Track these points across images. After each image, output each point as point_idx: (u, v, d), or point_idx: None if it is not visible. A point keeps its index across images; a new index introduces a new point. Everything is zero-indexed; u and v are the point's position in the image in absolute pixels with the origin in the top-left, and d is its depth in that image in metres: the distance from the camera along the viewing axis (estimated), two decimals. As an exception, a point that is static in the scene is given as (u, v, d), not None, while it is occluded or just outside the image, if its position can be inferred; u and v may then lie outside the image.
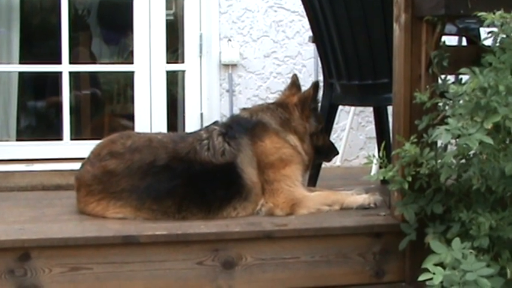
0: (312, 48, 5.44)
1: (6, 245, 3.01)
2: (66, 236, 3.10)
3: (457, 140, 2.62)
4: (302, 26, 5.46)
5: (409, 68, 3.18)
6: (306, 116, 3.66)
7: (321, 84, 4.02)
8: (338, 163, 5.47)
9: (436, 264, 2.60)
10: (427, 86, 3.12)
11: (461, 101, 2.77)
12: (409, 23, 3.15)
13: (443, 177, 2.88)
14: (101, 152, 3.49)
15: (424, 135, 2.98)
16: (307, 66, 5.54)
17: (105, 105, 7.17)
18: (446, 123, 2.65)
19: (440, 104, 3.07)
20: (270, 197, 3.45)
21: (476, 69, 2.73)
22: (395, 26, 3.24)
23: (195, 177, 3.37)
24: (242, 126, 3.56)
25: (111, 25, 7.09)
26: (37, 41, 6.81)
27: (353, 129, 5.65)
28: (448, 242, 2.74)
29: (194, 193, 3.36)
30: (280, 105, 3.72)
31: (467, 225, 2.85)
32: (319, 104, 3.88)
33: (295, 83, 3.81)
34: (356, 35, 3.79)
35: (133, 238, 3.09)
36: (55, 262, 3.03)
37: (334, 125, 5.35)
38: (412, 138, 2.99)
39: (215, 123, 3.70)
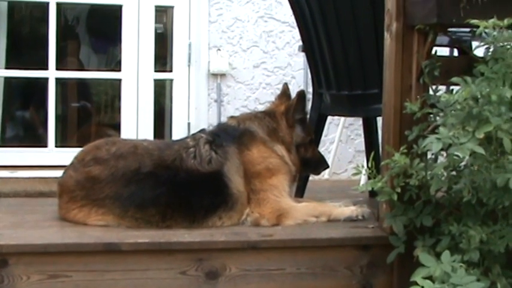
0: (302, 59, 5.42)
1: (-17, 251, 2.93)
2: (46, 242, 3.02)
3: (448, 150, 2.55)
4: (292, 37, 5.45)
5: (400, 78, 3.12)
6: (290, 126, 3.60)
7: (310, 94, 3.97)
8: (326, 176, 5.44)
9: (425, 278, 2.55)
10: (418, 96, 3.06)
11: (452, 111, 2.70)
12: (400, 32, 3.10)
13: (433, 188, 2.81)
14: (85, 158, 3.42)
15: (414, 145, 2.91)
16: (296, 78, 5.51)
17: (92, 114, 7.09)
18: (437, 133, 2.59)
19: (431, 115, 3.01)
20: (256, 206, 3.39)
21: (468, 79, 2.70)
22: (387, 35, 3.19)
23: (181, 185, 3.31)
24: (229, 135, 3.50)
25: (100, 34, 7.04)
26: (24, 47, 6.74)
27: (342, 142, 5.63)
28: (438, 256, 2.68)
29: (179, 202, 3.29)
30: (268, 114, 3.67)
31: (457, 238, 2.79)
32: (308, 115, 3.84)
33: (285, 92, 3.76)
34: (346, 45, 3.75)
35: (115, 246, 3.01)
36: (34, 269, 2.94)
37: (323, 138, 5.33)
38: (401, 148, 2.93)
39: (202, 131, 3.64)
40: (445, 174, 2.83)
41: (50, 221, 3.44)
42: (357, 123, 5.56)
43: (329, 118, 5.33)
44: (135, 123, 5.31)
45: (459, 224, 2.79)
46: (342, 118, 5.49)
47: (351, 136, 5.69)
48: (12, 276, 2.93)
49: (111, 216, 3.29)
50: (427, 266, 2.61)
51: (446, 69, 3.04)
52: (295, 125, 3.61)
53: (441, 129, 2.59)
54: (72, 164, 3.48)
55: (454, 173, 2.85)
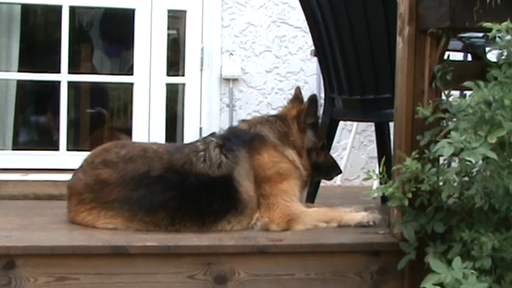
0: (314, 64, 5.40)
1: (-9, 252, 2.91)
2: (53, 244, 3.00)
3: (460, 155, 2.52)
4: (305, 42, 5.43)
5: (412, 82, 3.09)
6: (301, 130, 3.56)
7: (322, 99, 3.94)
8: (339, 182, 5.41)
9: (435, 284, 2.53)
10: (430, 101, 3.02)
11: (465, 115, 2.66)
12: (412, 36, 3.07)
13: (444, 194, 2.78)
14: (94, 161, 3.40)
15: (426, 151, 2.88)
16: (309, 83, 5.49)
17: (105, 119, 7.09)
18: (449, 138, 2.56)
19: (444, 120, 2.97)
20: (266, 211, 3.36)
21: (481, 83, 2.66)
22: (399, 39, 3.15)
23: (190, 189, 3.28)
24: (240, 139, 3.47)
25: (113, 38, 7.05)
26: (37, 51, 6.76)
27: (354, 148, 5.60)
28: (449, 263, 2.66)
29: (188, 206, 3.27)
30: (279, 118, 3.63)
31: (469, 245, 2.75)
32: (320, 120, 3.80)
33: (297, 96, 3.72)
34: (358, 49, 3.71)
35: (123, 249, 2.99)
36: (41, 271, 2.92)
37: (336, 144, 5.42)
38: (413, 154, 2.90)
39: (212, 134, 3.62)
40: (457, 179, 2.80)
41: (58, 223, 3.42)
42: (370, 129, 5.52)
43: (341, 124, 5.33)
44: (147, 127, 5.30)
45: (471, 231, 2.76)
46: (355, 124, 5.46)
47: (363, 142, 5.66)
48: (19, 278, 2.91)
49: (120, 220, 3.27)
50: (438, 272, 2.58)
51: (459, 74, 3.00)
52: (306, 130, 3.57)
53: (453, 133, 2.56)
54: (81, 166, 3.47)
55: (466, 178, 2.81)
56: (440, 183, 2.82)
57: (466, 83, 2.73)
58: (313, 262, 3.11)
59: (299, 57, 5.53)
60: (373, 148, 5.35)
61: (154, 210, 3.24)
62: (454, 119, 2.80)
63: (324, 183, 4.99)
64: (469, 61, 4.10)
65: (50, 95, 6.13)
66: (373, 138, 5.29)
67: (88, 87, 6.83)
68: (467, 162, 2.69)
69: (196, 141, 3.58)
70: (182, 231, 3.24)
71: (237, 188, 3.32)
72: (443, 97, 3.04)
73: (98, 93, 7.02)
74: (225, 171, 3.33)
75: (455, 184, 2.80)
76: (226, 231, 3.29)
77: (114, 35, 6.98)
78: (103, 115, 7.16)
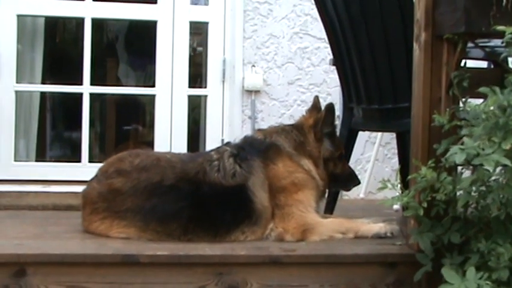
0: (337, 76, 5.30)
1: (2, 260, 2.90)
2: (64, 252, 2.98)
3: (472, 161, 2.45)
4: (328, 54, 5.31)
5: (429, 90, 3.04)
6: (318, 140, 3.52)
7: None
8: (362, 195, 5.36)
9: (448, 295, 2.44)
10: (447, 109, 2.97)
11: (479, 121, 2.60)
12: (429, 42, 3.02)
13: (460, 203, 2.73)
14: (108, 170, 3.40)
15: (443, 159, 2.81)
16: (332, 95, 5.42)
17: (130, 131, 7.12)
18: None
19: (461, 128, 2.87)
20: (281, 221, 3.31)
21: (497, 88, 2.60)
22: (415, 46, 3.11)
23: (203, 199, 3.26)
24: (255, 148, 3.44)
25: (138, 52, 7.10)
26: (61, 63, 6.82)
27: (378, 161, 5.53)
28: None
29: (201, 216, 3.24)
30: (296, 127, 3.59)
31: (486, 256, 2.68)
32: (337, 129, 3.76)
33: (316, 106, 3.67)
34: (376, 57, 3.67)
35: (133, 257, 2.96)
36: (52, 279, 2.91)
37: (359, 156, 5.41)
38: (429, 162, 2.84)
39: (227, 144, 3.58)
40: (474, 188, 2.73)
41: (72, 233, 3.41)
42: (394, 142, 5.35)
43: (365, 136, 5.39)
44: (169, 139, 5.30)
45: (488, 241, 2.68)
46: (378, 136, 5.41)
47: (387, 155, 5.59)
48: (30, 286, 2.89)
49: (133, 229, 3.25)
50: (451, 282, 2.53)
51: (477, 81, 2.91)
52: (323, 139, 3.53)
53: (466, 139, 2.50)
54: (95, 176, 3.47)
55: (483, 188, 2.74)
56: (457, 193, 2.76)
57: (482, 89, 2.66)
58: (327, 273, 3.06)
59: (322, 69, 5.49)
60: (396, 161, 5.17)
61: (167, 220, 3.22)
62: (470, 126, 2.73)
63: (347, 195, 4.98)
64: (487, 68, 4.02)
65: (73, 108, 6.16)
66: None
67: (113, 100, 6.86)
68: (485, 171, 2.60)
69: (210, 150, 3.54)
70: (195, 241, 3.20)
71: (251, 198, 3.28)
72: (461, 105, 2.97)
73: (123, 106, 7.03)
74: (239, 180, 3.29)
75: (472, 193, 2.73)
76: (240, 241, 3.24)
77: (138, 48, 7.05)
78: (137, 130, 7.16)
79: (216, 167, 3.32)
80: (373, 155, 5.42)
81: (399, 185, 2.95)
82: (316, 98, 3.72)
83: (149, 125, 6.98)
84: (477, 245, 2.72)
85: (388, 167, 5.53)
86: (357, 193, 5.26)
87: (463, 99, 2.97)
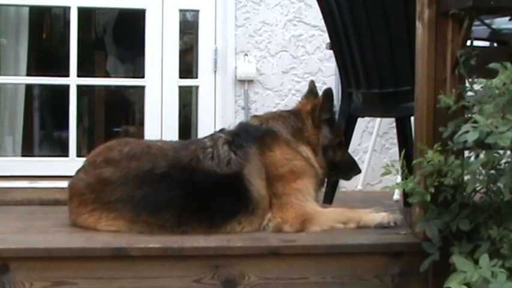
0: (333, 65, 5.18)
1: (-18, 256, 2.74)
2: (50, 246, 2.82)
3: (486, 140, 2.30)
4: (323, 41, 5.25)
5: (433, 69, 2.91)
6: (316, 126, 3.39)
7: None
8: (360, 187, 5.23)
9: (461, 284, 2.33)
10: (453, 89, 2.84)
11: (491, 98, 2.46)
12: (433, 19, 2.89)
13: (470, 188, 2.62)
14: (96, 159, 3.25)
15: (449, 142, 2.69)
16: (328, 84, 5.24)
17: (119, 125, 6.98)
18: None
19: (468, 109, 2.77)
20: (279, 211, 3.18)
21: (508, 64, 2.47)
22: (418, 24, 2.97)
23: (197, 188, 3.12)
24: (250, 135, 3.30)
25: (126, 43, 6.97)
26: (46, 54, 6.67)
27: (376, 151, 5.41)
28: (476, 262, 2.45)
29: (195, 206, 3.10)
30: (293, 113, 3.46)
31: (498, 243, 2.55)
32: (336, 115, 3.61)
33: (312, 91, 3.54)
34: (376, 38, 3.53)
35: (124, 251, 2.81)
36: (36, 275, 2.75)
37: (356, 147, 5.28)
38: (436, 146, 2.71)
39: (221, 130, 3.45)
40: (484, 172, 2.62)
41: (59, 226, 3.25)
42: (392, 131, 5.30)
43: (362, 126, 5.29)
44: (159, 131, 5.16)
45: (500, 228, 2.55)
46: (376, 126, 5.29)
47: (385, 145, 5.47)
48: (13, 283, 2.74)
49: (122, 221, 3.10)
50: (463, 270, 2.39)
51: (483, 60, 2.77)
52: (321, 126, 3.40)
53: (478, 117, 2.37)
54: (83, 166, 3.32)
55: (493, 172, 2.62)
56: (465, 177, 2.66)
57: (492, 65, 2.55)
58: (329, 265, 2.94)
59: (317, 57, 5.36)
60: (395, 151, 5.15)
61: (159, 211, 3.08)
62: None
63: (344, 187, 4.88)
64: (494, 47, 3.88)
65: (60, 101, 6.02)
66: (395, 141, 5.10)
67: (102, 94, 6.70)
68: (495, 154, 2.52)
69: (204, 137, 3.41)
70: (189, 232, 3.06)
71: (247, 187, 3.15)
72: (467, 84, 2.84)
73: (112, 99, 6.90)
74: (234, 168, 3.16)
75: (481, 177, 2.62)
76: (237, 233, 3.12)
77: (127, 40, 6.91)
78: (127, 123, 7.14)
79: (210, 154, 3.19)
80: (371, 145, 5.29)
81: (402, 171, 2.83)
82: (312, 83, 3.60)
83: (139, 118, 6.87)
84: (488, 232, 2.60)
85: (386, 158, 5.41)
86: (354, 185, 5.14)
87: (470, 80, 2.83)
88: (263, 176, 3.20)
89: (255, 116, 3.53)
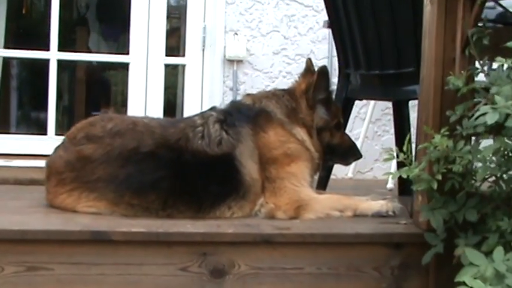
0: (326, 46, 5.17)
1: None
2: (24, 228, 2.60)
3: (506, 122, 2.12)
4: (316, 22, 5.18)
5: (442, 49, 2.74)
6: (311, 107, 3.21)
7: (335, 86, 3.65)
8: (350, 174, 5.15)
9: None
10: (462, 71, 2.66)
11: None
12: (443, -5, 2.72)
13: (480, 176, 2.46)
14: (76, 135, 3.03)
15: (458, 127, 2.53)
16: (320, 66, 5.11)
17: (100, 102, 6.77)
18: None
19: (478, 93, 2.58)
20: (272, 196, 3.00)
21: (528, 41, 2.28)
22: (426, 1, 2.80)
23: (185, 168, 2.93)
24: (243, 114, 3.12)
25: (110, 20, 6.78)
26: (25, 28, 6.43)
27: (368, 138, 5.30)
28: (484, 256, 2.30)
29: (183, 187, 2.91)
30: (288, 92, 3.28)
31: (508, 236, 2.40)
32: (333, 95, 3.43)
33: (309, 69, 3.35)
34: (378, 16, 3.39)
35: (104, 234, 2.61)
36: (8, 259, 2.54)
37: (348, 133, 4.91)
38: (443, 130, 2.55)
39: (212, 108, 3.25)
40: (495, 159, 2.47)
41: (34, 207, 3.04)
42: (385, 118, 5.30)
43: (354, 112, 5.06)
44: (143, 111, 5.01)
45: (511, 219, 2.41)
46: (369, 112, 5.19)
47: (377, 132, 5.38)
48: (-18, 267, 2.53)
49: (104, 202, 2.90)
50: (476, 264, 2.23)
51: (494, 42, 2.63)
52: (316, 106, 3.21)
53: (497, 97, 2.19)
54: (62, 142, 3.10)
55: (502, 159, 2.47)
56: (475, 164, 2.51)
57: (509, 43, 2.35)
58: (325, 255, 2.77)
59: (309, 39, 5.26)
60: (388, 139, 5.14)
61: (144, 192, 2.88)
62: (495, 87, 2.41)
63: (334, 175, 4.73)
64: (507, 26, 3.70)
65: (39, 76, 5.80)
66: (388, 128, 5.05)
67: (84, 72, 6.47)
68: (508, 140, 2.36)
69: (194, 115, 3.21)
70: (175, 216, 2.88)
71: (238, 169, 2.97)
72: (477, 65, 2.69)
73: (94, 77, 6.65)
74: (225, 149, 2.97)
75: (492, 165, 2.45)
76: (226, 218, 2.93)
77: (111, 16, 6.72)
78: (109, 102, 6.93)
79: (200, 133, 3.00)
80: (363, 132, 5.18)
81: (407, 156, 2.64)
82: (309, 61, 3.41)
83: (122, 100, 6.67)
84: (496, 224, 2.45)
85: (378, 145, 5.32)
86: (344, 172, 5.05)
87: (481, 61, 2.66)
88: (256, 158, 3.02)
89: (248, 95, 3.34)
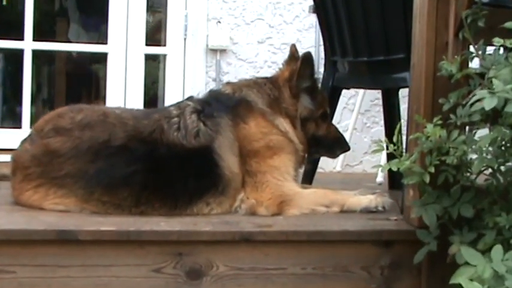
0: (313, 35, 5.05)
1: None
2: (-18, 227, 2.43)
3: (506, 108, 1.97)
4: (302, 10, 5.10)
5: (434, 33, 2.62)
6: (294, 96, 3.07)
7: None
8: (338, 168, 5.04)
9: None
10: (456, 56, 2.53)
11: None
12: (434, -26, 2.60)
13: (476, 168, 2.33)
14: (44, 128, 2.88)
15: (452, 115, 2.39)
16: (307, 56, 4.97)
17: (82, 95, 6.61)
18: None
19: (473, 79, 2.45)
20: (253, 191, 2.87)
21: (527, 22, 2.15)
22: (417, -19, 2.67)
23: (160, 162, 2.79)
24: (222, 104, 2.98)
25: (91, 10, 6.60)
26: (5, 19, 6.27)
27: (357, 130, 5.20)
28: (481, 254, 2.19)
29: (157, 182, 2.78)
30: (270, 80, 3.14)
31: (506, 232, 2.28)
32: (319, 83, 3.30)
33: (294, 55, 3.20)
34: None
35: (71, 234, 2.44)
36: (-34, 262, 2.38)
37: (336, 125, 4.84)
38: (435, 119, 2.43)
39: (189, 98, 3.10)
40: (491, 150, 2.34)
41: (-2, 204, 2.88)
42: (374, 109, 5.19)
43: (342, 103, 5.08)
44: (123, 102, 4.87)
45: (509, 215, 2.28)
46: (357, 103, 5.07)
47: (367, 124, 5.28)
48: None
49: (73, 199, 2.76)
50: (473, 264, 2.10)
51: (489, 25, 2.48)
52: (300, 95, 3.08)
53: (495, 81, 2.04)
54: (29, 135, 2.96)
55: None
56: (470, 155, 2.38)
57: (507, 24, 2.25)
58: (310, 254, 2.64)
59: (295, 27, 5.15)
60: (377, 130, 5.02)
61: (115, 188, 2.74)
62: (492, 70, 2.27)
63: (322, 168, 4.74)
64: (503, 8, 3.55)
65: (13, 70, 5.62)
66: (378, 119, 4.94)
67: (63, 64, 6.30)
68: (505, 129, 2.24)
69: (170, 106, 3.07)
70: (149, 213, 2.75)
71: (217, 162, 2.83)
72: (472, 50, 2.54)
73: (75, 68, 6.48)
74: (203, 141, 2.83)
75: (488, 156, 2.32)
76: (204, 215, 2.80)
77: (91, 7, 6.50)
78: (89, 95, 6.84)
79: (176, 124, 2.86)
80: (351, 123, 5.07)
81: (397, 148, 2.51)
82: (294, 47, 3.26)
83: (104, 94, 6.52)
84: (493, 219, 2.33)
85: (368, 137, 5.23)
86: (332, 166, 4.96)
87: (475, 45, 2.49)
88: (236, 151, 2.89)
89: (228, 83, 3.20)
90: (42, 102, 6.31)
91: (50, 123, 2.88)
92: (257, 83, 3.10)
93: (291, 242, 2.61)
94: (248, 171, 2.88)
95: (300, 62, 3.04)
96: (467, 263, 2.09)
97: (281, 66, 3.25)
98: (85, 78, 6.88)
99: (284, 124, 3.02)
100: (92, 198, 2.73)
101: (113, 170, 2.74)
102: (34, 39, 4.75)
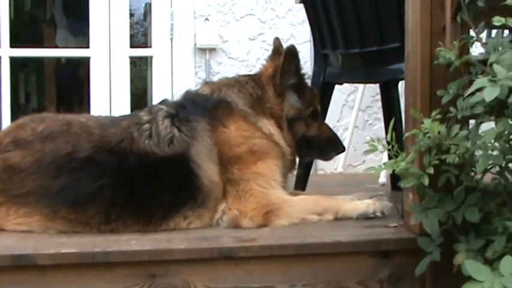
0: (307, 29, 4.71)
1: None
2: None
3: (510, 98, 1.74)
4: (295, 3, 4.74)
5: (429, 16, 2.49)
6: (279, 94, 2.89)
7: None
8: (340, 169, 4.89)
9: (475, 296, 1.86)
10: (454, 42, 2.35)
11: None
12: (429, -49, 2.45)
13: (481, 167, 2.13)
14: (3, 141, 2.69)
15: (452, 109, 2.23)
16: (301, 52, 4.73)
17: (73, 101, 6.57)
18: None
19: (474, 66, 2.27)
20: (235, 201, 2.68)
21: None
22: (409, -40, 2.51)
23: (130, 174, 2.62)
24: (199, 106, 2.79)
25: (78, 15, 6.51)
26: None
27: (358, 128, 5.10)
28: (490, 264, 2.02)
29: (128, 197, 2.60)
30: (253, 79, 2.95)
31: None
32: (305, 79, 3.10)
33: (278, 50, 3.01)
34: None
35: (28, 259, 2.25)
36: None
37: (336, 123, 4.97)
38: (434, 114, 2.26)
39: (163, 102, 2.91)
40: (497, 146, 2.16)
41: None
42: (376, 105, 5.04)
43: (342, 100, 5.03)
44: (108, 109, 4.75)
45: None
46: (357, 99, 4.95)
47: (368, 121, 5.18)
48: None
49: (37, 218, 2.57)
50: (478, 279, 1.90)
51: (490, 5, 2.28)
52: (286, 93, 2.90)
53: (496, 67, 1.86)
54: (-12, 149, 2.77)
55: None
56: (474, 153, 2.20)
57: (509, 1, 2.03)
58: (300, 269, 2.46)
59: (288, 21, 5.07)
60: (380, 128, 4.79)
61: (82, 205, 2.55)
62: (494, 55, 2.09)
63: (322, 170, 4.68)
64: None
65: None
66: (380, 116, 4.77)
67: (51, 68, 6.18)
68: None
69: (140, 111, 2.88)
70: (121, 231, 2.56)
71: (195, 172, 2.65)
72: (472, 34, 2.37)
73: (64, 74, 6.42)
74: (178, 149, 2.66)
75: (495, 153, 2.16)
76: (182, 230, 2.61)
77: (77, 11, 6.39)
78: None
79: (147, 131, 2.69)
80: (352, 121, 4.95)
81: (392, 147, 2.36)
82: (277, 41, 3.07)
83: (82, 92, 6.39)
84: (503, 224, 2.16)
85: (370, 135, 4.88)
86: (334, 167, 4.83)
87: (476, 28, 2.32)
88: (215, 158, 2.71)
89: (206, 83, 3.02)
90: (32, 110, 6.21)
91: (10, 135, 2.70)
92: (238, 82, 2.92)
93: (277, 257, 2.43)
94: (230, 179, 2.70)
95: (283, 57, 2.85)
96: (471, 278, 1.87)
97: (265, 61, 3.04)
98: (72, 84, 6.80)
99: (268, 126, 2.83)
100: (57, 217, 2.55)
101: (78, 185, 2.56)
102: (11, 46, 4.65)
